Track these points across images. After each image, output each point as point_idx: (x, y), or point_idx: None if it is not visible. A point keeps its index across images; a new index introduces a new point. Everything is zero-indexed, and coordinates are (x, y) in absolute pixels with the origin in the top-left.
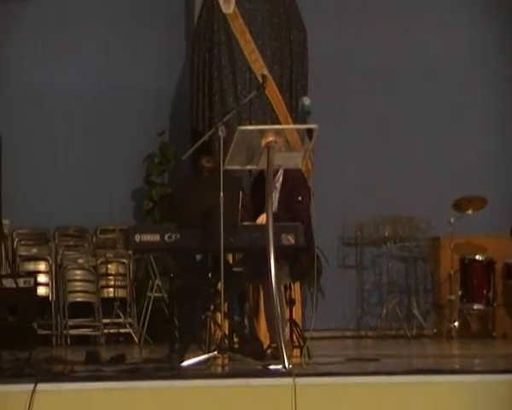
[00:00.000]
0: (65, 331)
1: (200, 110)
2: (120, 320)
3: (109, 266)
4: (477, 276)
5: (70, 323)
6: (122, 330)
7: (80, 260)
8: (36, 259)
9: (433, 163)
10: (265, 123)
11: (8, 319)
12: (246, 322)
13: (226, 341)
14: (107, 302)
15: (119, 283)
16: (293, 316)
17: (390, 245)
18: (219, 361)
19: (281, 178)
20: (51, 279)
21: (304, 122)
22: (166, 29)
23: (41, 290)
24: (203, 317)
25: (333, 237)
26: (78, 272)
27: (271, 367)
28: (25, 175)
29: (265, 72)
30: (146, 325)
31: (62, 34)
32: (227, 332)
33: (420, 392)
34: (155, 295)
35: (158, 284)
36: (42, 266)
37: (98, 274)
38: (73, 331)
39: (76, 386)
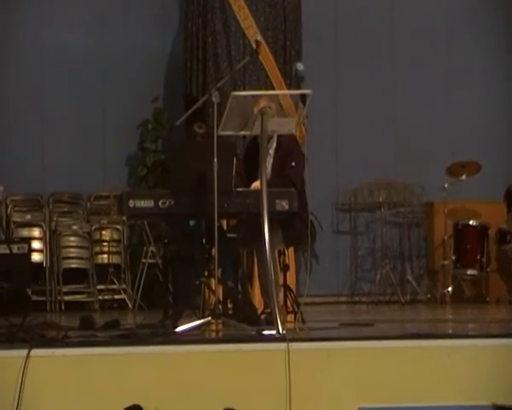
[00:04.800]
0: (59, 297)
1: (194, 76)
2: (114, 286)
3: (103, 232)
4: (471, 241)
5: (64, 289)
6: (116, 297)
7: (74, 227)
8: (30, 225)
9: (427, 128)
10: (259, 89)
11: (3, 285)
12: (240, 288)
13: (220, 306)
14: (102, 268)
15: (113, 249)
16: (287, 281)
17: (384, 211)
18: (213, 327)
19: (274, 144)
20: (45, 245)
21: (297, 88)
22: None
23: (35, 257)
24: (197, 283)
25: (327, 202)
26: (73, 238)
27: (265, 333)
28: (19, 141)
29: (259, 37)
30: (140, 291)
31: None
32: (221, 298)
33: (413, 357)
34: (149, 261)
35: (152, 250)
36: (36, 232)
37: (92, 240)
38: (67, 297)
39: (70, 352)
